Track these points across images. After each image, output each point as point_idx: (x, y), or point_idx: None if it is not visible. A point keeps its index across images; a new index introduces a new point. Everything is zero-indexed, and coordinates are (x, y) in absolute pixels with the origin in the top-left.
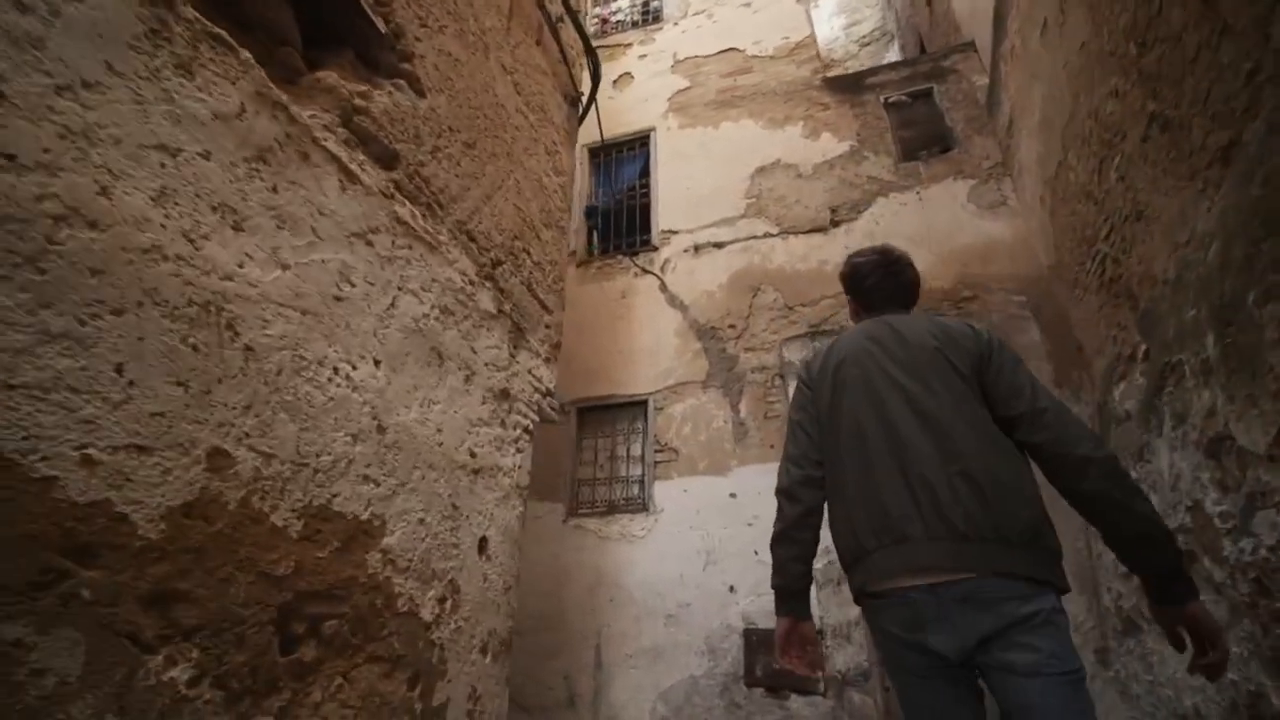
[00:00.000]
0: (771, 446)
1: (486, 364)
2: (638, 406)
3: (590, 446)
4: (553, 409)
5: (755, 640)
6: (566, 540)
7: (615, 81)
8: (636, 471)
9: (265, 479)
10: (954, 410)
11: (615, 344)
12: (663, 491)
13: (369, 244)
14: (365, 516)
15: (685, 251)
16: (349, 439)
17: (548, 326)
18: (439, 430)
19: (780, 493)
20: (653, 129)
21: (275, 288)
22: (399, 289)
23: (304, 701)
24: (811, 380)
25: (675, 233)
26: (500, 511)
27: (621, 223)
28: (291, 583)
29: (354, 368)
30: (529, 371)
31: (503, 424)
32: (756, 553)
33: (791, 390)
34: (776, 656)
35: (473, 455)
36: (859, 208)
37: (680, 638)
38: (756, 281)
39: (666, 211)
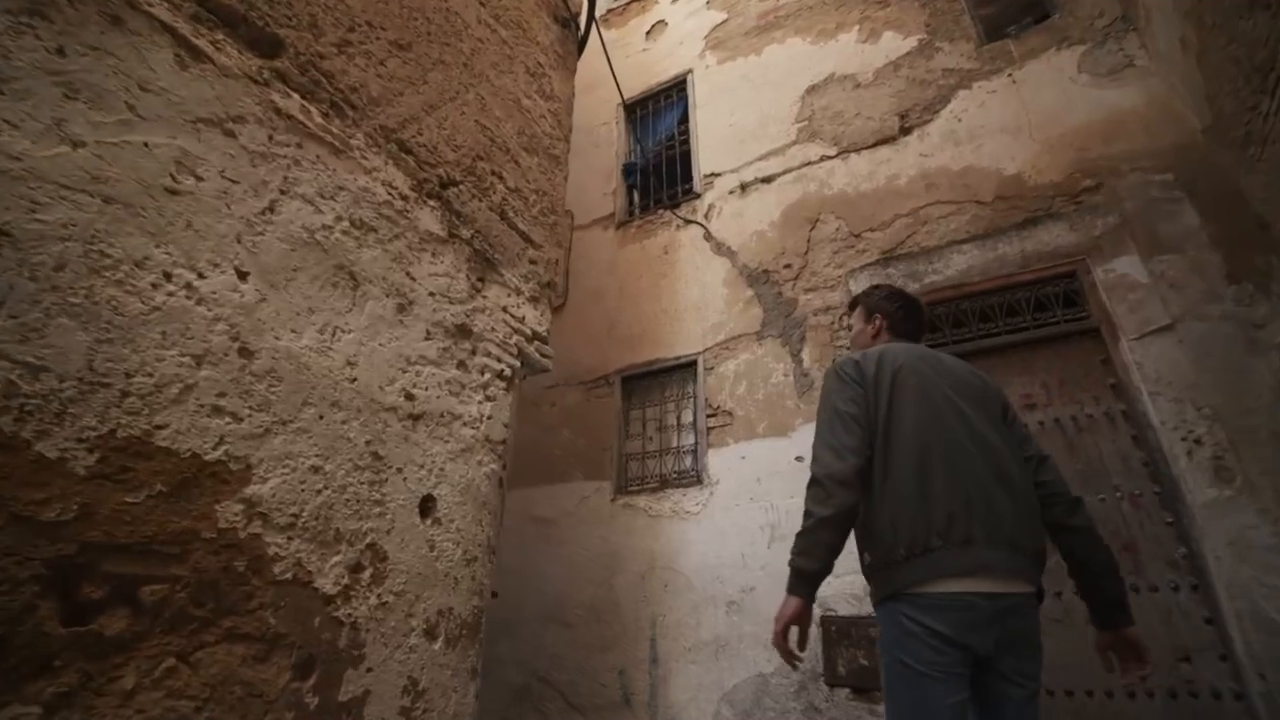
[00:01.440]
0: None
1: (432, 294)
2: (686, 369)
3: (638, 418)
4: (544, 355)
5: (836, 631)
6: (615, 521)
7: (648, 32)
8: (689, 440)
9: (27, 397)
10: (999, 439)
11: (659, 304)
12: (718, 460)
13: (229, 134)
14: (214, 457)
15: (730, 193)
16: (188, 360)
17: (533, 262)
18: (350, 364)
19: (832, 479)
20: (689, 71)
21: (56, 166)
22: (281, 192)
23: (105, 688)
24: (864, 380)
25: (718, 175)
26: (456, 467)
27: (661, 175)
28: (75, 532)
29: (200, 276)
30: (503, 309)
31: (461, 365)
32: None
33: None
34: (775, 632)
35: (409, 397)
36: (934, 107)
37: (745, 628)
38: (814, 212)
39: (708, 154)
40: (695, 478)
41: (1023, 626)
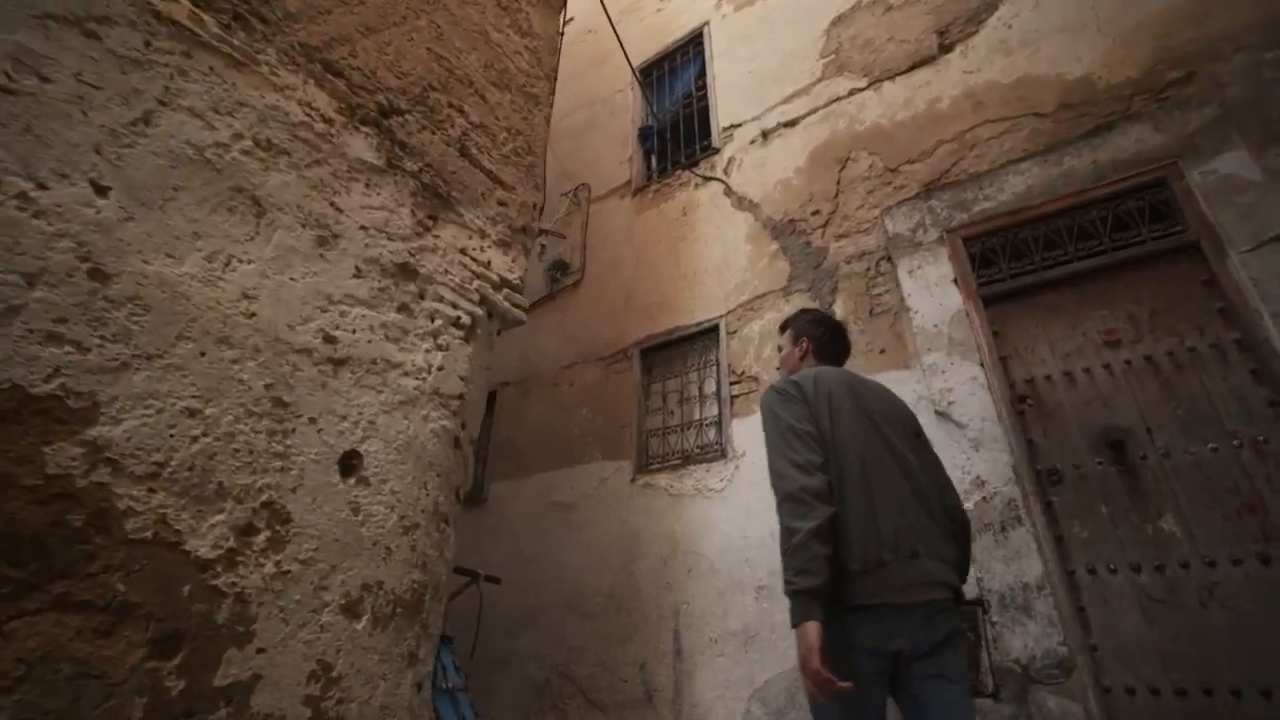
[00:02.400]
0: (882, 351)
1: (364, 227)
2: (708, 335)
3: (658, 391)
4: (515, 305)
5: None
6: (635, 502)
7: None
8: (712, 412)
9: None
10: (917, 462)
11: (678, 269)
12: (743, 431)
13: (91, 35)
14: (45, 391)
15: (752, 143)
16: (14, 279)
17: (502, 203)
18: (248, 297)
19: (807, 492)
20: (705, 24)
21: None
22: (160, 102)
23: None
24: (807, 398)
25: (738, 125)
26: (392, 421)
27: (679, 135)
28: None
29: (40, 186)
30: (462, 251)
31: (403, 309)
32: None
33: (902, 274)
34: (812, 671)
35: (329, 340)
36: (979, 17)
37: (777, 616)
38: (844, 151)
39: (727, 106)
40: (719, 451)
41: (946, 628)
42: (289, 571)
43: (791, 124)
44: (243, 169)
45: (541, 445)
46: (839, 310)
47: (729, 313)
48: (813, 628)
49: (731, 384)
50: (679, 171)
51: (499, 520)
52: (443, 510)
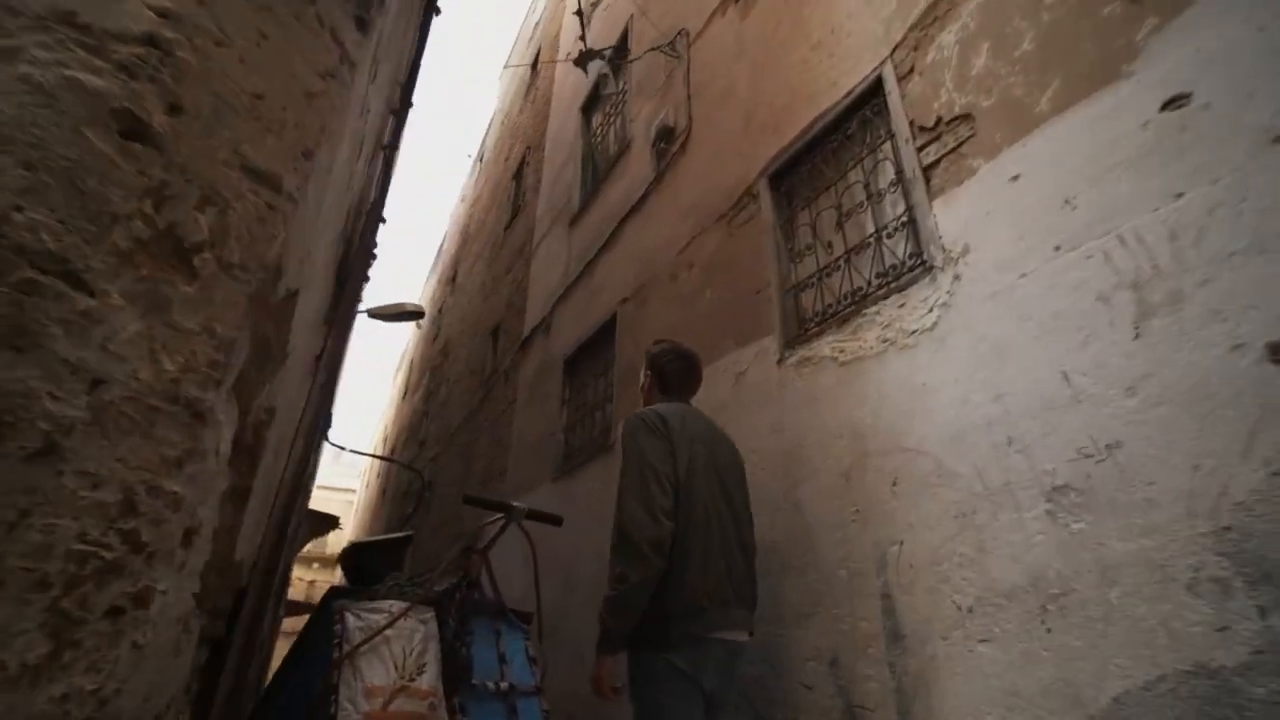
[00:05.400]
0: None
1: None
2: (867, 103)
3: (805, 222)
4: None
5: None
6: (788, 393)
7: None
8: (896, 210)
9: None
10: (744, 511)
11: (807, 41)
12: (955, 215)
13: None
14: None
15: None
16: None
17: None
18: None
19: (648, 543)
20: None
21: None
22: None
23: None
24: (670, 436)
25: None
26: None
27: None
28: None
29: None
30: None
31: None
32: None
33: None
34: (600, 694)
35: None
36: None
37: (1114, 544)
38: None
39: None
40: (918, 264)
41: (738, 667)
42: None
43: None
44: None
45: None
46: None
47: (895, 48)
48: (607, 662)
49: (921, 147)
50: None
51: None
52: (45, 250)
